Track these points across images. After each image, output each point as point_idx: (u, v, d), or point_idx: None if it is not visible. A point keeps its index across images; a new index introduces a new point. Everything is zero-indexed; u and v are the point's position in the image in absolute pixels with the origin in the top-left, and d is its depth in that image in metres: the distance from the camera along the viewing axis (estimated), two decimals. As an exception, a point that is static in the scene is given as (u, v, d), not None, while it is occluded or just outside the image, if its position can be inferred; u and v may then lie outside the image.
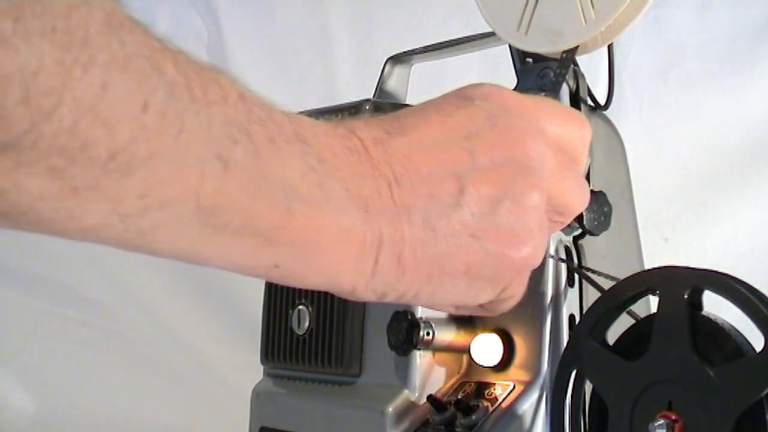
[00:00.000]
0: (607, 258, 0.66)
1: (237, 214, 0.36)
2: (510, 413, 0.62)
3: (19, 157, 0.30)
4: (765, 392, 0.48)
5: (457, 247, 0.42)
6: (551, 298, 0.63)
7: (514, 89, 0.69)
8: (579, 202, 0.49)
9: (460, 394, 0.65)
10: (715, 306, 0.52)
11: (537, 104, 0.47)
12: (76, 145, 0.30)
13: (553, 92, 0.65)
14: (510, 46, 0.70)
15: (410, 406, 0.66)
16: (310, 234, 0.38)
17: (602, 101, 0.69)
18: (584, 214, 0.63)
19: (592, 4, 0.61)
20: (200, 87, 0.35)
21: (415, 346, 0.65)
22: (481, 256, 0.43)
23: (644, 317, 0.56)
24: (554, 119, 0.47)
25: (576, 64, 0.67)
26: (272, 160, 0.37)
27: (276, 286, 0.75)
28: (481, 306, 0.48)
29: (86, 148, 0.31)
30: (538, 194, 0.44)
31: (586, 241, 0.65)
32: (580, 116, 0.49)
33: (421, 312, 0.66)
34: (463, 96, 0.45)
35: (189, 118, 0.34)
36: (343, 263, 0.40)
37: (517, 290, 0.47)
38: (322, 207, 0.39)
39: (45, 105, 0.29)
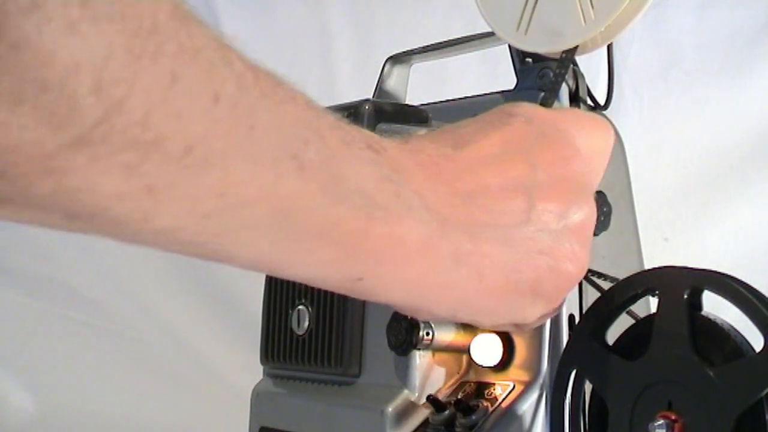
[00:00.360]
0: (607, 258, 0.66)
1: (317, 219, 0.35)
2: (510, 413, 0.62)
3: (92, 153, 0.28)
4: (765, 392, 0.48)
5: (528, 263, 0.42)
6: (551, 298, 0.63)
7: (514, 89, 0.70)
8: (593, 215, 0.48)
9: (460, 394, 0.65)
10: (715, 306, 0.52)
11: (570, 118, 0.47)
12: (148, 138, 0.29)
13: (553, 92, 0.65)
14: (509, 46, 0.70)
15: (410, 406, 0.66)
16: (394, 243, 0.37)
17: (602, 101, 0.69)
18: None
19: (591, 4, 0.61)
20: (269, 84, 0.33)
21: (415, 346, 0.65)
22: (547, 273, 0.43)
23: (644, 317, 0.56)
24: (582, 131, 0.47)
25: (575, 64, 0.67)
26: (348, 164, 0.35)
27: (276, 285, 0.75)
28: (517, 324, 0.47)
29: (159, 142, 0.29)
30: (590, 210, 0.45)
31: (586, 241, 0.65)
32: (605, 124, 0.49)
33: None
34: (508, 113, 0.45)
35: (260, 113, 0.32)
36: (427, 276, 0.39)
37: (559, 305, 0.47)
38: (403, 217, 0.37)
39: (116, 95, 0.28)
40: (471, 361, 0.66)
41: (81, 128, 0.28)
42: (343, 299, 0.70)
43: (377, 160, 0.37)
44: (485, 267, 0.41)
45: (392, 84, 0.81)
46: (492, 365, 0.65)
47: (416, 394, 0.66)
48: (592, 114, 0.49)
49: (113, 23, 0.27)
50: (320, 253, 0.36)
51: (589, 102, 0.68)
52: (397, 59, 0.81)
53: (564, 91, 0.66)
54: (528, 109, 0.45)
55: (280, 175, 0.33)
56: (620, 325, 0.56)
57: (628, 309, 0.56)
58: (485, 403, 0.63)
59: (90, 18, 0.27)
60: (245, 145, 0.32)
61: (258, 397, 0.77)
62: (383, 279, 0.39)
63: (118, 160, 0.29)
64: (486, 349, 0.65)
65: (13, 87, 0.26)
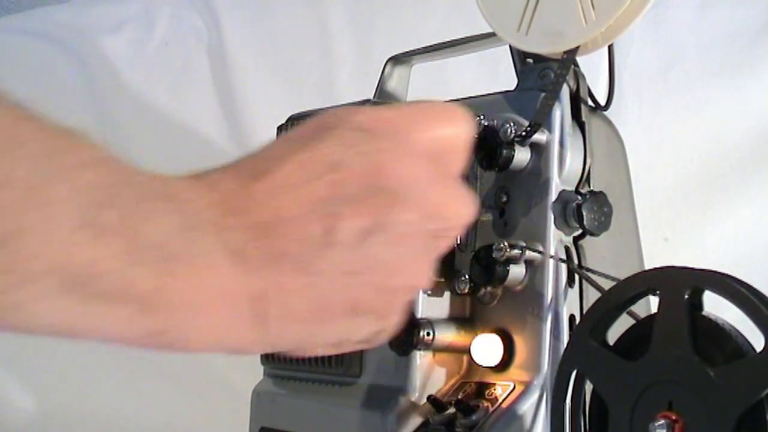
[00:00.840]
0: (607, 258, 0.66)
1: (112, 282, 0.35)
2: (510, 413, 0.62)
3: None
4: (765, 392, 0.48)
5: (340, 286, 0.41)
6: (551, 298, 0.63)
7: (515, 90, 0.70)
8: (461, 211, 0.46)
9: (461, 394, 0.65)
10: (715, 306, 0.52)
11: (401, 116, 0.45)
12: None
13: (554, 93, 0.65)
14: (510, 46, 0.70)
15: (410, 407, 0.66)
16: (192, 294, 0.37)
17: (602, 101, 0.69)
18: (584, 214, 0.63)
19: (592, 4, 0.62)
20: (62, 153, 0.34)
21: (416, 347, 0.65)
22: (361, 291, 0.42)
23: (644, 317, 0.56)
24: (423, 125, 0.45)
25: (576, 65, 0.67)
26: (144, 221, 0.36)
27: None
28: (371, 340, 0.46)
29: None
30: (413, 218, 0.42)
31: (587, 242, 0.65)
32: (452, 111, 0.46)
33: (421, 312, 0.66)
34: (321, 126, 0.43)
35: (54, 187, 0.33)
36: (229, 321, 0.39)
37: (396, 320, 0.46)
38: (201, 265, 0.37)
39: None
40: (471, 362, 0.66)
41: None
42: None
43: (173, 209, 0.37)
44: (290, 300, 0.40)
45: (393, 85, 0.81)
46: (492, 365, 0.65)
47: (416, 395, 0.66)
48: (438, 104, 0.45)
49: None
50: (118, 312, 0.36)
51: (590, 102, 0.68)
52: (397, 60, 0.81)
53: (564, 92, 0.66)
54: (344, 116, 0.44)
55: (74, 245, 0.34)
56: (620, 325, 0.56)
57: (628, 309, 0.56)
58: (485, 404, 0.63)
59: None
60: (38, 221, 0.33)
61: (258, 397, 0.77)
62: (186, 330, 0.38)
63: None
64: (486, 350, 0.65)
65: None
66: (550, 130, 0.65)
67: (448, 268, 0.66)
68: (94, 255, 0.34)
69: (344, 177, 0.41)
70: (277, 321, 0.40)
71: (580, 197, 0.64)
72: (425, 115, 0.45)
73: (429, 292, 0.67)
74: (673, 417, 0.50)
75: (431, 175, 0.44)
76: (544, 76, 0.67)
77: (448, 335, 0.66)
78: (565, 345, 0.61)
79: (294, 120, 0.77)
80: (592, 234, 0.65)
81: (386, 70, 0.81)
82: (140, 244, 0.36)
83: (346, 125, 0.43)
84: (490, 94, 0.70)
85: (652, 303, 0.55)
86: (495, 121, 0.65)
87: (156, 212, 0.37)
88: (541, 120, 0.64)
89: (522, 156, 0.65)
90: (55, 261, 0.34)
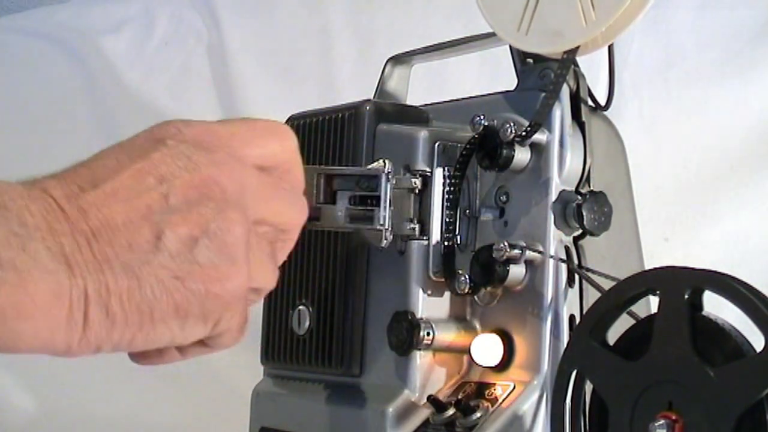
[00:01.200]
0: (607, 258, 0.67)
1: None
2: (510, 413, 0.62)
3: None
4: (765, 392, 0.48)
5: (162, 291, 0.43)
6: (551, 298, 0.63)
7: (515, 90, 0.70)
8: (294, 217, 0.49)
9: (461, 394, 0.65)
10: (715, 306, 0.52)
11: (232, 131, 0.47)
12: None
13: (554, 93, 0.65)
14: (510, 46, 0.70)
15: (410, 407, 0.66)
16: (19, 300, 0.39)
17: (602, 101, 0.69)
18: (584, 214, 0.63)
19: (592, 4, 0.62)
20: None
21: (416, 347, 0.65)
22: (186, 296, 0.44)
23: (644, 317, 0.56)
24: (252, 141, 0.48)
25: (576, 65, 0.67)
26: None
27: (276, 286, 0.75)
28: (203, 344, 0.48)
29: None
30: (240, 226, 0.45)
31: (587, 242, 0.65)
32: (279, 129, 0.50)
33: (421, 312, 0.66)
34: (154, 138, 0.45)
35: None
36: (55, 324, 0.40)
37: (233, 323, 0.47)
38: (28, 271, 0.39)
39: None
40: (471, 362, 0.66)
41: None
42: (344, 299, 0.70)
43: (3, 215, 0.39)
44: (111, 303, 0.42)
45: (393, 85, 0.81)
46: (492, 365, 0.65)
47: (417, 395, 0.66)
48: (267, 121, 0.49)
49: None
50: None
51: (590, 102, 0.68)
52: (397, 60, 0.81)
53: (565, 92, 0.66)
54: (177, 129, 0.46)
55: None
56: (620, 325, 0.56)
57: (628, 309, 0.56)
58: (486, 404, 0.63)
59: None
60: None
61: (258, 397, 0.77)
62: (12, 334, 0.40)
63: None
64: (486, 350, 0.65)
65: None
66: (550, 130, 0.65)
67: (448, 268, 0.66)
68: None
69: (174, 188, 0.44)
70: (101, 323, 0.42)
71: (580, 197, 0.64)
72: (255, 131, 0.49)
73: (429, 292, 0.67)
74: (673, 417, 0.50)
75: (262, 186, 0.47)
76: (544, 76, 0.68)
77: (448, 335, 0.66)
78: (565, 345, 0.61)
79: (294, 120, 0.77)
80: (592, 234, 0.65)
81: (386, 70, 0.81)
82: None
83: (178, 137, 0.45)
84: (490, 94, 0.71)
85: (652, 303, 0.55)
86: (495, 121, 0.65)
87: None
88: (541, 120, 0.64)
89: (522, 156, 0.65)
90: None
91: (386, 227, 0.64)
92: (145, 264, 0.42)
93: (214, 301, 0.45)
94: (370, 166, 0.65)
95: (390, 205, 0.63)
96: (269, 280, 0.49)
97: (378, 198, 0.62)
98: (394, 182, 0.66)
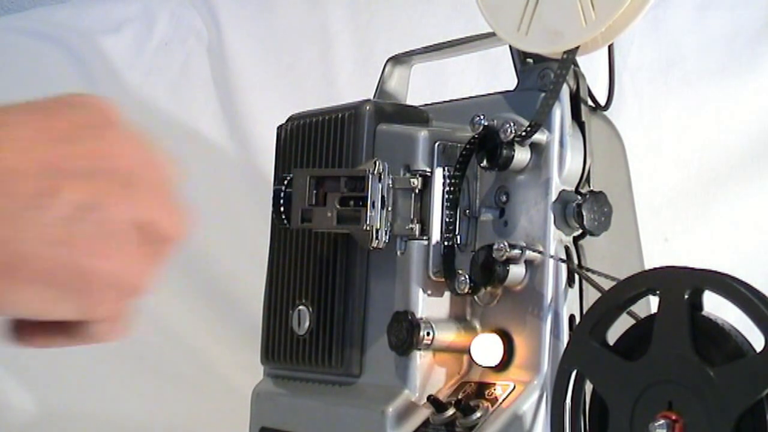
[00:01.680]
0: (607, 258, 0.67)
1: None
2: (510, 413, 0.62)
3: None
4: (765, 392, 0.48)
5: (40, 250, 0.40)
6: (551, 298, 0.63)
7: (515, 89, 0.70)
8: (179, 225, 0.46)
9: (461, 394, 0.65)
10: (716, 306, 0.52)
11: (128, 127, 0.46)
12: None
13: (554, 93, 0.65)
14: (510, 46, 0.70)
15: (411, 407, 0.66)
16: None
17: (602, 101, 0.69)
18: (584, 214, 0.63)
19: (592, 4, 0.62)
20: None
21: (416, 347, 0.65)
22: (64, 263, 0.41)
23: (644, 317, 0.56)
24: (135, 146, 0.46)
25: (576, 65, 0.67)
26: None
27: (276, 285, 0.76)
28: (72, 332, 0.46)
29: None
30: (131, 210, 0.43)
31: (587, 242, 0.65)
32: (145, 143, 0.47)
33: (421, 312, 0.66)
34: (68, 102, 0.44)
35: None
36: None
37: (109, 313, 0.45)
38: None
39: None
40: (471, 362, 0.66)
41: None
42: (344, 299, 0.70)
43: None
44: None
45: (393, 84, 0.81)
46: (492, 365, 0.65)
47: (417, 395, 0.66)
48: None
49: None
50: None
51: (590, 102, 0.68)
52: (397, 60, 0.81)
53: (565, 92, 0.66)
54: (93, 101, 0.45)
55: None
56: (620, 325, 0.56)
57: (628, 309, 0.56)
58: (486, 404, 0.63)
59: None
60: None
61: (258, 397, 0.77)
62: None
63: None
64: (486, 350, 0.65)
65: None
66: (550, 130, 0.65)
67: (448, 268, 0.66)
68: None
69: (79, 151, 0.42)
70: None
71: (580, 197, 0.64)
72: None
73: (429, 292, 0.67)
74: (673, 417, 0.50)
75: (158, 184, 0.45)
76: (544, 76, 0.68)
77: (448, 335, 0.66)
78: (565, 345, 0.61)
79: (294, 120, 0.77)
80: (592, 234, 0.65)
81: (386, 70, 0.81)
82: None
83: (91, 109, 0.44)
84: (490, 94, 0.71)
85: (652, 303, 0.55)
86: (495, 121, 0.65)
87: None
88: (541, 120, 0.64)
89: (522, 156, 0.65)
90: None
91: (376, 228, 0.64)
92: (28, 218, 0.40)
93: (93, 278, 0.43)
94: (359, 167, 0.65)
95: (383, 206, 0.63)
96: (144, 281, 0.46)
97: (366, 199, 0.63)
98: (389, 182, 0.66)
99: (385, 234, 0.66)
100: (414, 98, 0.79)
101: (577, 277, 0.64)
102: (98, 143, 0.43)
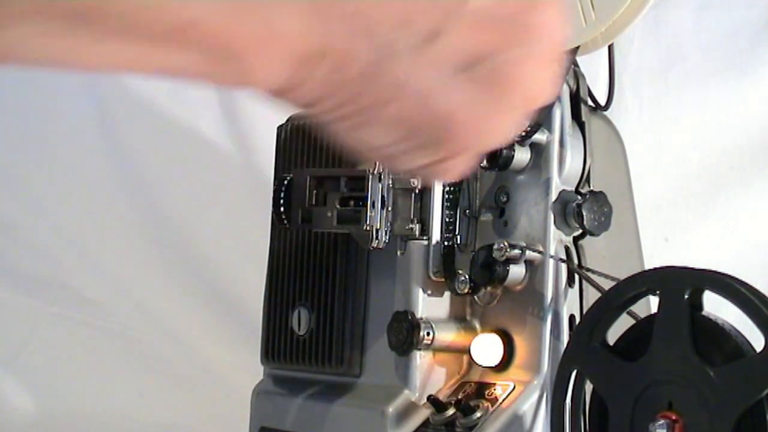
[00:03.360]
0: (607, 258, 0.66)
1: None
2: (510, 413, 0.62)
3: None
4: (765, 392, 0.48)
5: (407, 91, 0.36)
6: (551, 298, 0.63)
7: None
8: (549, 90, 0.39)
9: (461, 394, 0.65)
10: (716, 306, 0.52)
11: None
12: None
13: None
14: (510, 46, 0.70)
15: (411, 407, 0.66)
16: (260, 31, 0.33)
17: (602, 101, 0.69)
18: (584, 214, 0.63)
19: (592, 4, 0.62)
20: None
21: (416, 347, 0.65)
22: (430, 113, 0.37)
23: (644, 317, 0.56)
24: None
25: (576, 65, 0.67)
26: None
27: (276, 285, 0.76)
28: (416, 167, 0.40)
29: None
30: (525, 69, 0.37)
31: (587, 242, 0.65)
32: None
33: (421, 312, 0.66)
34: None
35: None
36: (287, 63, 0.34)
37: (458, 168, 0.40)
38: (277, 8, 0.33)
39: None
40: (471, 362, 0.66)
41: None
42: (344, 299, 0.70)
43: None
44: (352, 69, 0.35)
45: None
46: (492, 365, 0.65)
47: (417, 395, 0.66)
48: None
49: None
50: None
51: (590, 102, 0.68)
52: (397, 59, 0.81)
53: (565, 92, 0.66)
54: None
55: None
56: (620, 325, 0.56)
57: (628, 309, 0.56)
58: (486, 404, 0.63)
59: None
60: None
61: (258, 397, 0.77)
62: (248, 69, 0.34)
63: None
64: (486, 350, 0.65)
65: None
66: (550, 130, 0.65)
67: (448, 268, 0.66)
68: None
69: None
70: (326, 83, 0.35)
71: (580, 197, 0.64)
72: None
73: (429, 292, 0.67)
74: (673, 417, 0.50)
75: (551, 45, 0.37)
76: (544, 76, 0.67)
77: (448, 335, 0.66)
78: (565, 345, 0.61)
79: (294, 120, 0.76)
80: (592, 234, 0.65)
81: (386, 70, 0.81)
82: None
83: None
84: (490, 94, 0.70)
85: (652, 303, 0.55)
86: (495, 121, 0.64)
87: None
88: (541, 120, 0.64)
89: (522, 156, 0.65)
90: None
91: (376, 228, 0.64)
92: (410, 53, 0.35)
93: (456, 136, 0.38)
94: (359, 167, 0.65)
95: (383, 206, 0.63)
96: (494, 142, 0.39)
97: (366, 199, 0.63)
98: (389, 182, 0.66)
99: (385, 234, 0.66)
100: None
101: (577, 277, 0.64)
102: None
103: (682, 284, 0.52)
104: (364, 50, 0.34)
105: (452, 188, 0.66)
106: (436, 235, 0.66)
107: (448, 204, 0.66)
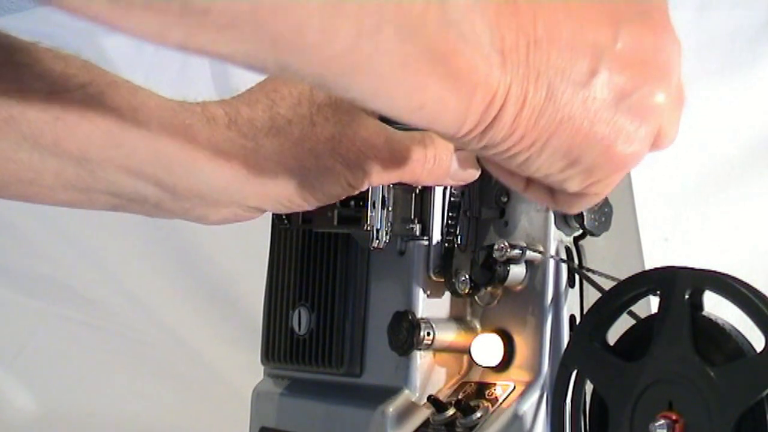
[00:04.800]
0: (607, 258, 0.67)
1: (428, 45, 0.37)
2: (510, 414, 0.62)
3: None
4: (765, 392, 0.48)
5: (570, 124, 0.41)
6: (551, 298, 0.63)
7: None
8: (674, 137, 0.46)
9: (461, 394, 0.65)
10: (715, 306, 0.52)
11: None
12: None
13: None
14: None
15: (411, 407, 0.66)
16: (449, 70, 0.38)
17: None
18: (584, 214, 0.63)
19: (592, 4, 0.61)
20: None
21: (416, 347, 0.65)
22: (589, 142, 0.42)
23: (645, 317, 0.56)
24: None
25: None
26: None
27: (276, 285, 0.75)
28: (562, 197, 0.47)
29: None
30: (663, 102, 0.43)
31: (587, 242, 0.65)
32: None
33: (421, 312, 0.66)
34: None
35: None
36: (473, 109, 0.40)
37: (605, 190, 0.46)
38: (463, 42, 0.38)
39: None
40: (471, 362, 0.66)
41: None
42: (344, 299, 0.70)
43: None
44: (523, 113, 0.41)
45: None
46: (492, 365, 0.65)
47: (417, 395, 0.66)
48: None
49: None
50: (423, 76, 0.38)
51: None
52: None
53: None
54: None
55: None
56: (620, 325, 0.56)
57: (628, 309, 0.56)
58: (486, 404, 0.63)
59: None
60: None
61: (258, 397, 0.77)
62: (437, 111, 0.39)
63: None
64: (486, 350, 0.65)
65: None
66: (550, 130, 0.65)
67: (448, 268, 0.66)
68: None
69: (626, 27, 0.42)
70: (504, 126, 0.41)
71: (580, 197, 0.64)
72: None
73: (429, 292, 0.67)
74: (673, 417, 0.50)
75: (678, 88, 0.45)
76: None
77: (448, 335, 0.66)
78: (565, 345, 0.61)
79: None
80: (592, 234, 0.65)
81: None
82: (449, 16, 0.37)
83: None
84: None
85: (652, 303, 0.55)
86: (495, 121, 0.64)
87: None
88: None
89: (522, 156, 0.64)
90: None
91: (376, 228, 0.64)
92: (568, 92, 0.41)
93: (610, 161, 0.43)
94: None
95: (383, 206, 0.63)
96: (637, 163, 0.46)
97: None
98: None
99: (386, 234, 0.66)
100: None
101: (577, 277, 0.64)
102: (643, 24, 0.43)
103: (682, 284, 0.52)
104: (534, 92, 0.40)
105: (452, 188, 0.66)
106: (436, 235, 0.66)
107: (449, 204, 0.66)
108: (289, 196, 0.55)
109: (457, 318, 0.67)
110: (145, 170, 0.52)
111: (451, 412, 0.63)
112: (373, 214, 0.64)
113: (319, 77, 0.37)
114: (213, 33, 0.33)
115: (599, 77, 0.41)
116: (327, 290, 0.71)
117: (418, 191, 0.67)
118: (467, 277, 0.65)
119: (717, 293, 0.51)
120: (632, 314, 0.57)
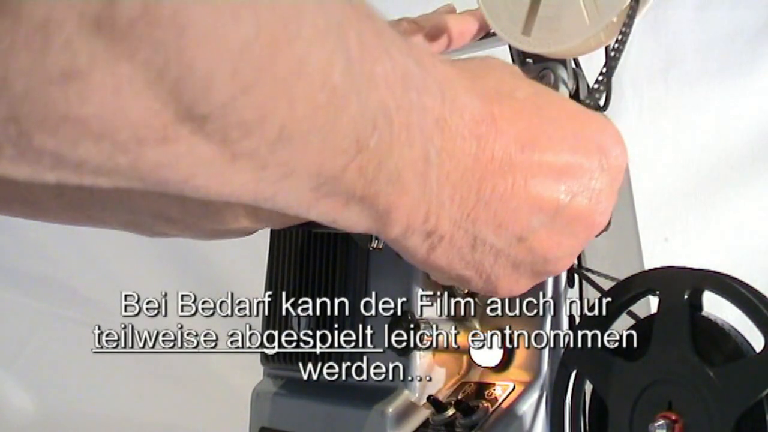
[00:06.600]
0: (607, 258, 0.66)
1: (344, 190, 0.37)
2: (510, 414, 0.62)
3: (202, 127, 0.28)
4: (765, 393, 0.48)
5: (491, 278, 0.46)
6: (551, 298, 0.63)
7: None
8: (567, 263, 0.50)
9: (461, 394, 0.65)
10: (715, 306, 0.52)
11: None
12: (255, 118, 0.29)
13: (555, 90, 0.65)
14: (510, 46, 0.70)
15: (410, 407, 0.66)
16: (391, 206, 0.39)
17: (602, 101, 0.69)
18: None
19: (595, 4, 0.62)
20: (370, 63, 0.34)
21: (416, 347, 0.65)
22: (537, 258, 0.46)
23: (644, 317, 0.56)
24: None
25: (577, 65, 0.67)
26: (396, 150, 0.37)
27: (276, 285, 0.75)
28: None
29: (264, 122, 0.30)
30: (596, 210, 0.48)
31: (587, 242, 0.65)
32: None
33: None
34: (597, 144, 0.46)
35: (351, 98, 0.33)
36: (413, 239, 0.42)
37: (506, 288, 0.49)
38: (410, 193, 0.39)
39: (248, 79, 0.28)
40: (471, 362, 0.66)
41: (204, 108, 0.28)
42: (344, 299, 0.70)
43: (433, 143, 0.39)
44: (443, 243, 0.43)
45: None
46: (492, 365, 0.65)
47: (416, 395, 0.66)
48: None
49: (270, 6, 0.28)
50: (340, 210, 0.38)
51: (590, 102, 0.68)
52: (397, 59, 0.81)
53: (563, 92, 0.66)
54: (621, 153, 0.48)
55: (337, 155, 0.34)
56: (621, 325, 0.56)
57: (628, 309, 0.56)
58: (485, 404, 0.63)
59: None
60: (325, 127, 0.32)
61: (258, 397, 0.77)
62: (355, 224, 0.40)
63: (222, 135, 0.29)
64: (486, 350, 0.65)
65: (155, 64, 0.26)
66: (550, 130, 0.65)
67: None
68: (344, 166, 0.35)
69: (569, 208, 0.45)
70: (436, 255, 0.44)
71: (580, 197, 0.64)
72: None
73: (429, 292, 0.67)
74: (673, 417, 0.50)
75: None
76: (543, 77, 0.67)
77: (447, 335, 0.66)
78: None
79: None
80: (592, 234, 0.65)
81: (386, 70, 0.81)
82: (383, 168, 0.37)
83: (614, 164, 0.48)
84: (489, 94, 0.70)
85: (652, 303, 0.55)
86: (495, 121, 0.64)
87: (414, 142, 0.38)
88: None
89: (522, 156, 0.64)
90: (319, 163, 0.34)
91: None
92: (495, 247, 0.44)
93: (553, 265, 0.47)
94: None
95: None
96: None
97: None
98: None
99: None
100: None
101: (576, 277, 0.64)
102: (588, 204, 0.47)
103: (682, 284, 0.52)
104: (462, 234, 0.43)
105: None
106: (436, 235, 0.66)
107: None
108: None
109: (457, 318, 0.67)
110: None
111: (450, 412, 0.63)
112: None
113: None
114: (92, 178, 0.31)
115: (526, 244, 0.44)
116: (327, 290, 0.71)
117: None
118: (467, 277, 0.65)
119: (716, 293, 0.51)
120: (632, 314, 0.57)
